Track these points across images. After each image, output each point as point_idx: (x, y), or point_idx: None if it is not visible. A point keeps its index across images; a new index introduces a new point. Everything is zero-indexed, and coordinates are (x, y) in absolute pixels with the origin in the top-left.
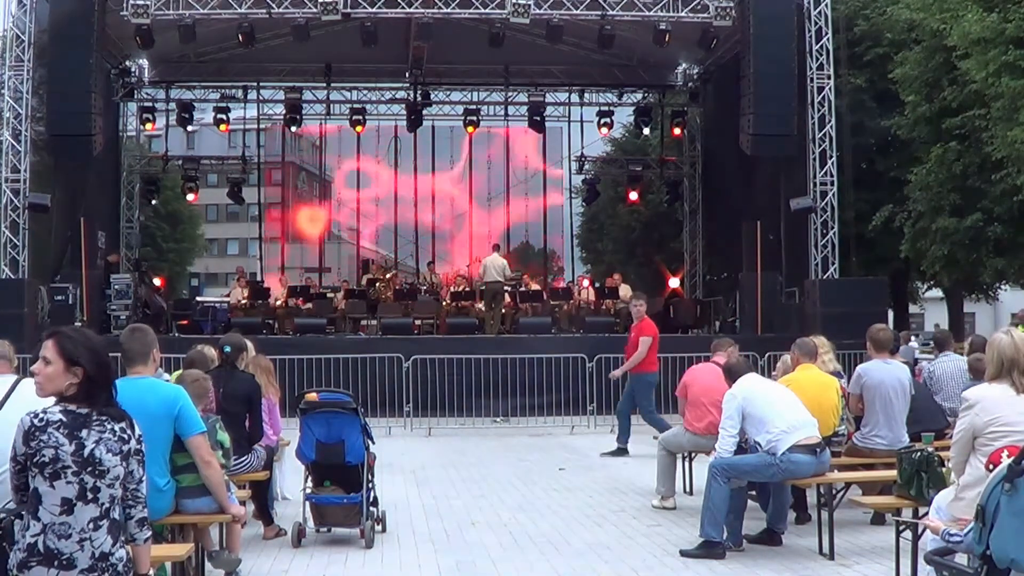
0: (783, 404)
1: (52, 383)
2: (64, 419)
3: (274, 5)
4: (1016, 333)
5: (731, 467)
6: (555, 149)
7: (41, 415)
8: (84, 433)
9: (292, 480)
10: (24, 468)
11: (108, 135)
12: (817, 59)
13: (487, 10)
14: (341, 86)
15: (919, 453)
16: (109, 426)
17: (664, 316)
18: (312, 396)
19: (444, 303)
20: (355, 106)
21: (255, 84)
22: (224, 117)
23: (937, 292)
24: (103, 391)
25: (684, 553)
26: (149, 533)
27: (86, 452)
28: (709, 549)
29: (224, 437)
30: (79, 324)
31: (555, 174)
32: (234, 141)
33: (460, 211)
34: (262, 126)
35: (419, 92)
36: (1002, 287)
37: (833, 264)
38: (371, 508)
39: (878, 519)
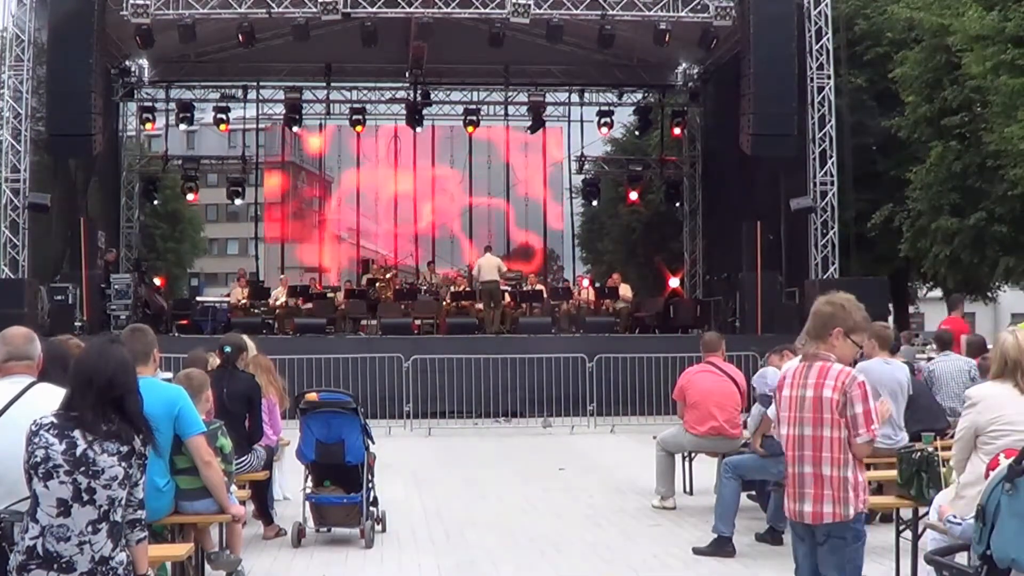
0: None
1: None
2: (55, 421)
3: (274, 5)
4: (1021, 333)
5: (740, 465)
6: (555, 149)
7: (38, 420)
8: (76, 433)
9: (292, 480)
10: (29, 476)
11: (108, 135)
12: (817, 59)
13: (487, 10)
14: (341, 86)
15: (919, 453)
16: (105, 428)
17: (664, 316)
18: (312, 396)
19: (444, 303)
20: (355, 106)
21: (255, 84)
22: (224, 117)
23: (937, 292)
24: (89, 398)
25: (697, 551)
26: (144, 534)
27: (78, 452)
28: (719, 546)
29: (225, 443)
30: (79, 325)
31: (555, 174)
32: (234, 141)
33: (460, 211)
34: (262, 126)
35: (419, 92)
36: (1003, 288)
37: (833, 264)
38: (371, 508)
39: (869, 517)
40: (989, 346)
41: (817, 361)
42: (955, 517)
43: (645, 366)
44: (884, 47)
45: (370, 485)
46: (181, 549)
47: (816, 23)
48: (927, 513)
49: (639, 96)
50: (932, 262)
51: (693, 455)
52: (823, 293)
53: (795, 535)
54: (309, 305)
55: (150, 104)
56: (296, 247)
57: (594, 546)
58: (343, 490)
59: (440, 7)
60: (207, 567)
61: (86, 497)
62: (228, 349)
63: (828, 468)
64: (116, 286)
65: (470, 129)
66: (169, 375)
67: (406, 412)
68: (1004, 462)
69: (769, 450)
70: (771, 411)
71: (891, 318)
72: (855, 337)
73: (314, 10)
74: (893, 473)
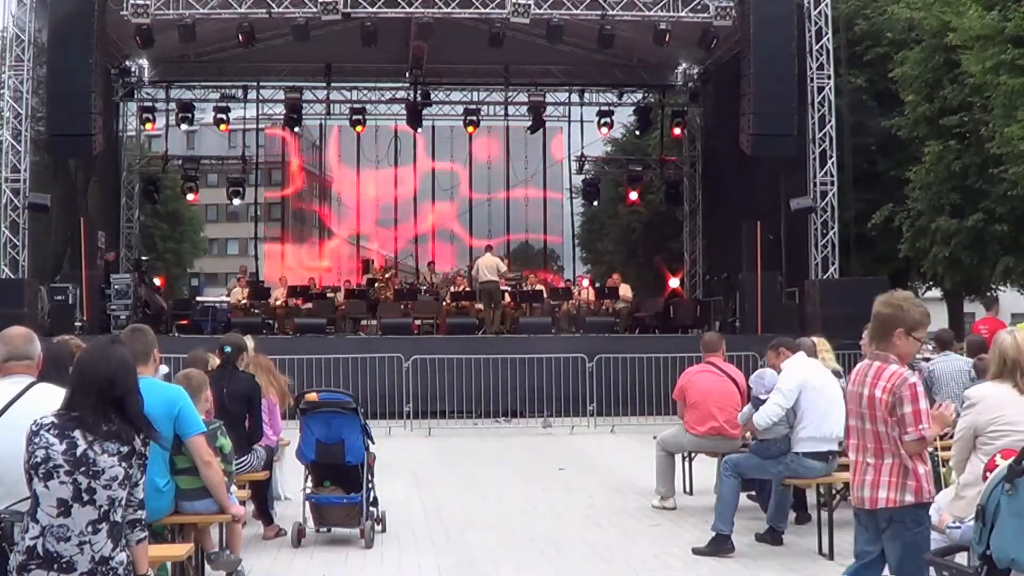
0: (827, 410)
1: None
2: (56, 421)
3: (274, 5)
4: (1019, 333)
5: (739, 463)
6: (555, 149)
7: (39, 420)
8: (76, 433)
9: (292, 480)
10: (29, 476)
11: (108, 135)
12: (817, 59)
13: (487, 10)
14: (341, 86)
15: None
16: (105, 428)
17: (664, 316)
18: (312, 396)
19: (444, 303)
20: (355, 106)
21: (255, 84)
22: (224, 117)
23: (936, 292)
24: (90, 399)
25: (696, 551)
26: (144, 535)
27: (78, 452)
28: (718, 545)
29: (224, 442)
30: (79, 325)
31: (555, 174)
32: (234, 141)
33: (460, 211)
34: (262, 126)
35: (419, 92)
36: (1002, 288)
37: (833, 264)
38: (371, 508)
39: None
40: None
41: (877, 361)
42: (953, 522)
43: (645, 366)
44: (884, 47)
45: (370, 485)
46: (181, 549)
47: (816, 23)
48: None
49: (639, 96)
50: (931, 262)
51: (693, 455)
52: (823, 293)
53: (857, 523)
54: (309, 305)
55: (150, 104)
56: (296, 247)
57: (594, 546)
58: (343, 490)
59: (440, 7)
60: (207, 567)
61: (86, 497)
62: (228, 349)
63: (887, 458)
64: (116, 286)
65: (470, 129)
66: (167, 369)
67: (406, 412)
68: (1001, 463)
69: (762, 453)
70: (756, 417)
71: None
72: (916, 334)
73: (314, 10)
74: None
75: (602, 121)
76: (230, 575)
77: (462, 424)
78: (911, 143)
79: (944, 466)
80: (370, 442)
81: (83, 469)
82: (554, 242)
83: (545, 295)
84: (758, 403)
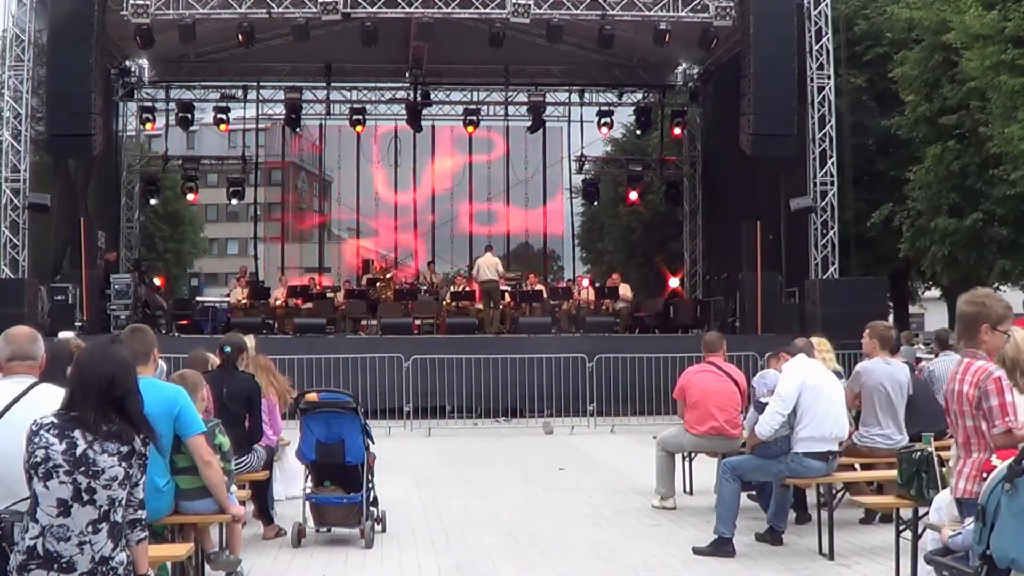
0: (827, 410)
1: None
2: (56, 421)
3: (274, 5)
4: (1018, 334)
5: (738, 466)
6: (555, 149)
7: (38, 420)
8: (76, 433)
9: (292, 480)
10: (29, 476)
11: (108, 135)
12: (817, 59)
13: (487, 10)
14: (341, 86)
15: (919, 453)
16: (105, 428)
17: (664, 316)
18: (312, 396)
19: (444, 303)
20: (355, 106)
21: (255, 84)
22: (224, 117)
23: (936, 292)
24: (90, 399)
25: (696, 551)
26: (144, 534)
27: (78, 452)
28: (719, 547)
29: (223, 440)
30: (79, 325)
31: (555, 174)
32: (234, 141)
33: (460, 211)
34: (262, 126)
35: (419, 92)
36: (1001, 288)
37: (833, 264)
38: (371, 508)
39: (869, 517)
40: None
41: (967, 358)
42: (954, 532)
43: (645, 366)
44: (884, 47)
45: (370, 485)
46: (181, 549)
47: (816, 23)
48: (927, 513)
49: (639, 96)
50: (930, 260)
51: (693, 455)
52: (823, 293)
53: None
54: (309, 305)
55: (150, 104)
56: (296, 247)
57: (594, 546)
58: (343, 490)
59: (440, 7)
60: (207, 567)
61: (86, 497)
62: (228, 349)
63: (974, 452)
64: (116, 286)
65: (470, 129)
66: (164, 366)
67: (406, 412)
68: (997, 463)
69: (762, 453)
70: (758, 428)
71: (891, 318)
72: (1001, 327)
73: (314, 10)
74: (893, 473)
75: (602, 121)
76: (230, 575)
77: (462, 424)
78: (911, 143)
79: (944, 466)
80: (370, 442)
81: (83, 469)
82: (554, 242)
83: (545, 295)
84: (760, 406)
